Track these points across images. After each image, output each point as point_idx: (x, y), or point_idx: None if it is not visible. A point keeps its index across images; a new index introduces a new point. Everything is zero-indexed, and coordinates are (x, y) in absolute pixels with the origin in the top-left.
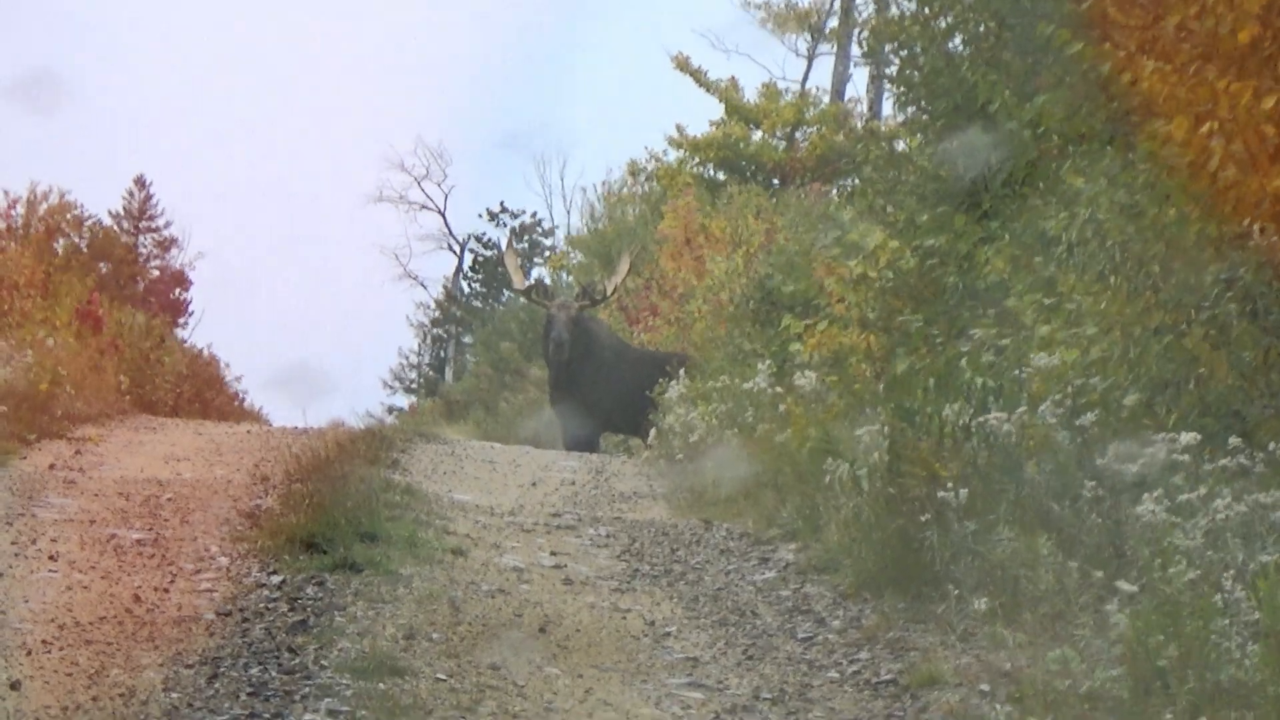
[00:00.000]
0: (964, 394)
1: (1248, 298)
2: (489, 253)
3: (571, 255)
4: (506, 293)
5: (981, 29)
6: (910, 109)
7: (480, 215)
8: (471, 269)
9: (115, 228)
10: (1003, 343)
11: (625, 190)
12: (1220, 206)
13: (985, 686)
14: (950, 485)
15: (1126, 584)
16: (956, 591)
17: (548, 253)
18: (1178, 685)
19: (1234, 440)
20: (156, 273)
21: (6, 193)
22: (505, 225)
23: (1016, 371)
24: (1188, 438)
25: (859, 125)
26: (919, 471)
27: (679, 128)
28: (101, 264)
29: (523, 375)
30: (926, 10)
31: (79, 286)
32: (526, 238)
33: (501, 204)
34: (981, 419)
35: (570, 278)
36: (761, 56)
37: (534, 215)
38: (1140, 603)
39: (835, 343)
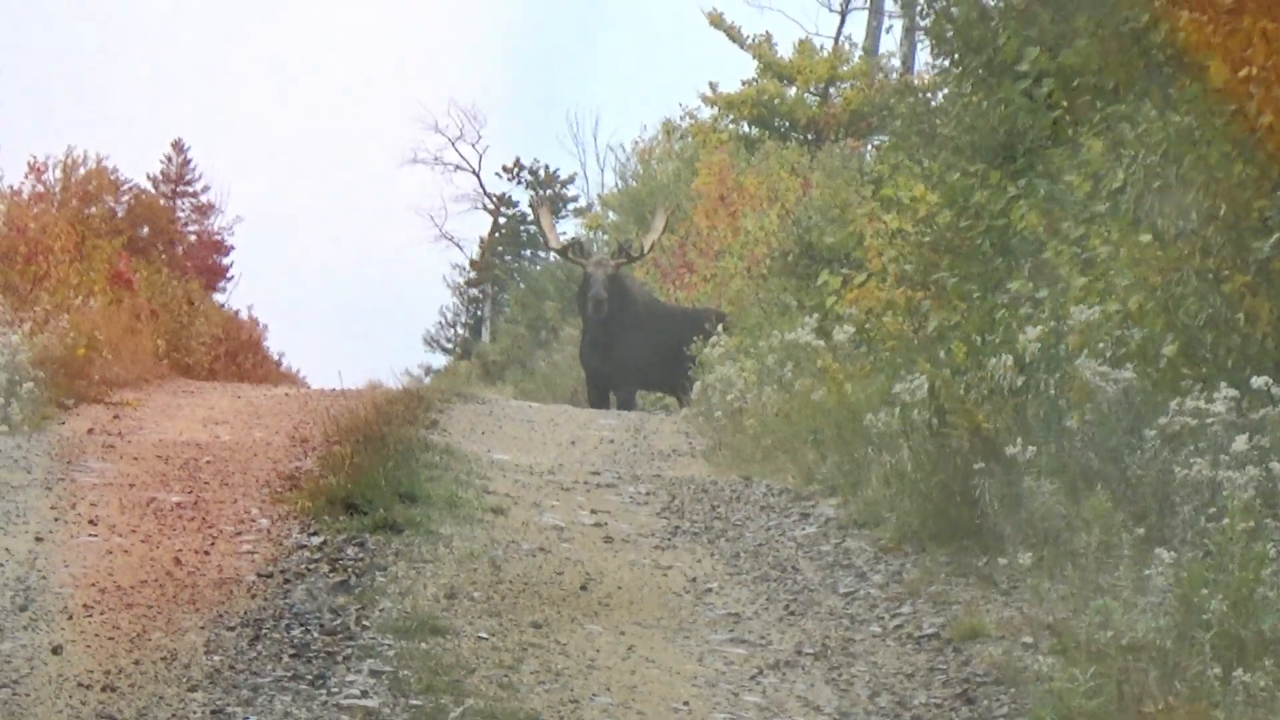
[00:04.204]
0: (1002, 349)
1: None
2: (510, 211)
3: (606, 213)
4: (527, 251)
5: None
6: (944, 63)
7: (497, 174)
8: (493, 230)
9: (153, 192)
10: (1040, 295)
11: (659, 148)
12: (1260, 151)
13: (1028, 639)
14: (995, 438)
15: (1167, 552)
16: (999, 545)
17: (571, 205)
18: (1219, 635)
19: (1264, 387)
20: (194, 238)
21: (36, 157)
22: (523, 182)
23: (1054, 324)
24: (1230, 392)
25: (892, 80)
26: (963, 423)
27: (712, 85)
28: (141, 229)
29: (558, 334)
30: None
31: (109, 249)
32: (547, 191)
33: (516, 160)
34: (1023, 367)
35: (605, 235)
36: (794, 11)
37: (549, 168)
38: (1185, 554)
39: (873, 298)
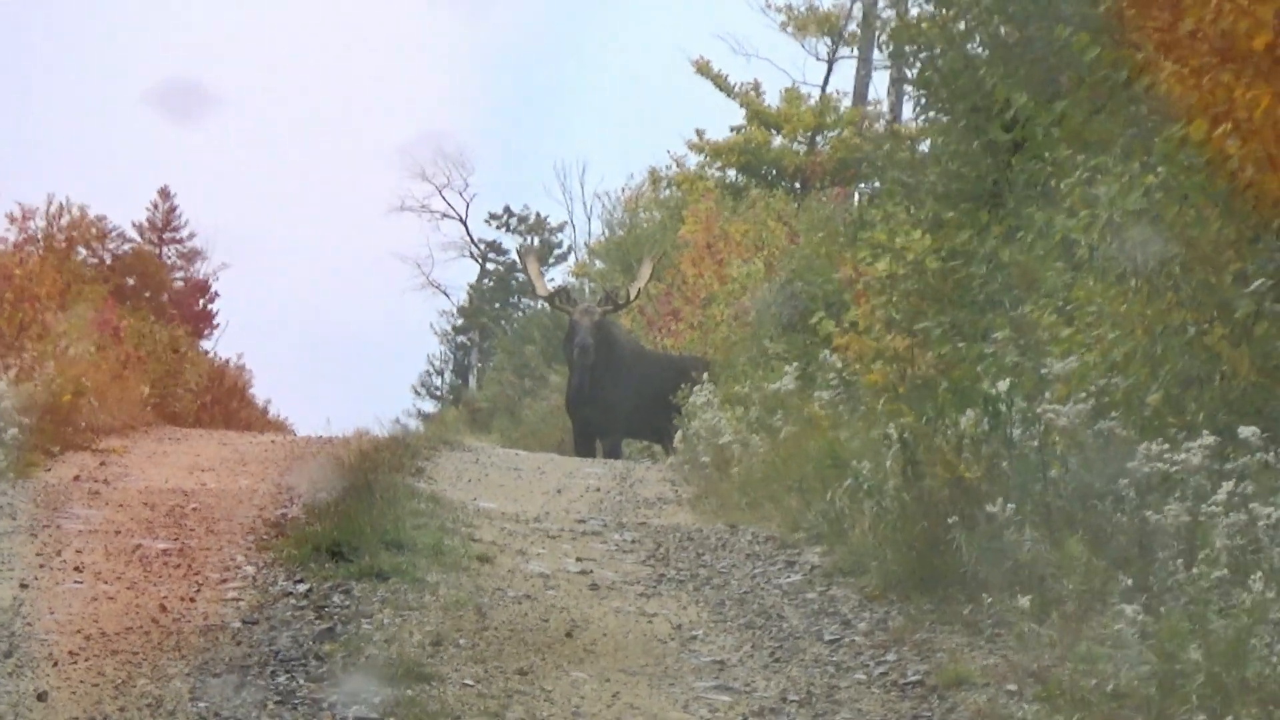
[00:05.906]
0: (983, 400)
1: (1268, 295)
2: (500, 259)
3: (593, 261)
4: (515, 299)
5: (1001, 31)
6: (931, 111)
7: (486, 221)
8: (481, 277)
9: (139, 239)
10: (1022, 342)
11: (646, 196)
12: (1239, 205)
13: (1012, 686)
14: (976, 487)
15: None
16: (985, 595)
17: (556, 251)
18: (1204, 683)
19: (1252, 437)
20: (181, 284)
21: (20, 205)
22: (512, 229)
23: (1040, 372)
24: (1207, 439)
25: (880, 128)
26: (943, 473)
27: (699, 133)
28: (128, 277)
29: (545, 382)
30: (945, 12)
31: (95, 295)
32: (535, 237)
33: (506, 207)
34: (1004, 416)
35: (592, 284)
36: (781, 60)
37: (539, 214)
38: (1164, 602)
39: (862, 345)
